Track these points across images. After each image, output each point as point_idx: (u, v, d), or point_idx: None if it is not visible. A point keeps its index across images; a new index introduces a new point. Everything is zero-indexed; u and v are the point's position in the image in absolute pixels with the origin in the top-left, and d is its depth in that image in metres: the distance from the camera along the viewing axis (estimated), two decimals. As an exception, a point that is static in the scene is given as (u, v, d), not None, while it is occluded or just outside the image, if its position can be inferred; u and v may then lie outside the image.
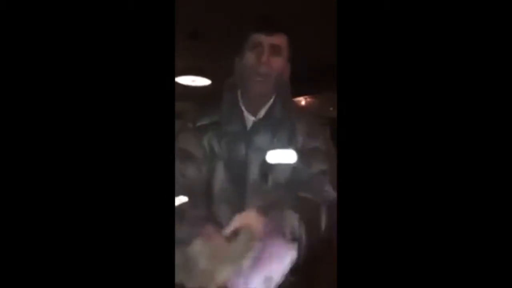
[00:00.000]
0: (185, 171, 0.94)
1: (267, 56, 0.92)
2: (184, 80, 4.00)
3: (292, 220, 0.81)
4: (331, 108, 6.43)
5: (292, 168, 0.95)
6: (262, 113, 0.99)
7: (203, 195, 0.94)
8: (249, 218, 0.78)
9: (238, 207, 0.89)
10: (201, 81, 4.08)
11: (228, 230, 0.76)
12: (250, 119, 0.99)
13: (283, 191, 0.93)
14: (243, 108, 1.00)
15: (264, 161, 0.94)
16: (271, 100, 1.00)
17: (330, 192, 0.92)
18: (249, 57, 0.94)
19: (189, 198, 0.90)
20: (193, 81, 4.08)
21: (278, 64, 0.95)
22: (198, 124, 0.99)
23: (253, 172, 0.94)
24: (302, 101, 5.69)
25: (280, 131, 0.97)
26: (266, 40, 0.93)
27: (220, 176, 0.94)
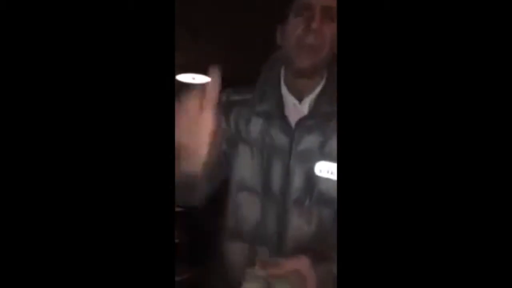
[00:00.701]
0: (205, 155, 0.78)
1: (318, 22, 0.71)
2: (184, 77, 3.99)
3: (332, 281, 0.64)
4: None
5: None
6: (307, 102, 0.78)
7: (222, 183, 0.80)
8: (301, 265, 0.63)
9: (264, 205, 0.75)
10: (201, 79, 4.07)
11: (276, 270, 0.63)
12: (290, 101, 0.79)
13: (326, 214, 0.75)
14: (284, 88, 0.80)
15: (310, 170, 0.75)
16: (321, 85, 0.79)
17: None
18: (296, 24, 0.74)
19: (207, 186, 0.75)
20: (193, 78, 4.08)
21: (332, 32, 0.72)
22: (231, 98, 0.82)
23: (297, 179, 0.75)
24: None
25: (331, 136, 0.76)
26: (317, 0, 0.72)
27: (245, 162, 0.77)
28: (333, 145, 0.75)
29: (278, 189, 0.76)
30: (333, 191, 0.74)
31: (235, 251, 0.79)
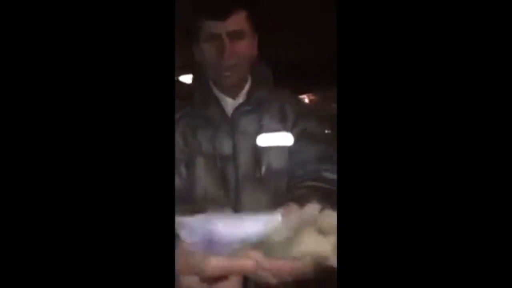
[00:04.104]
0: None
1: (229, 48, 0.77)
2: (182, 78, 4.01)
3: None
4: (334, 105, 6.46)
5: (287, 151, 0.83)
6: (240, 96, 0.88)
7: (186, 200, 0.81)
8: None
9: (229, 206, 0.80)
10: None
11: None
12: (228, 102, 0.87)
13: (277, 179, 0.82)
14: (218, 93, 0.87)
15: (254, 147, 0.82)
16: (248, 83, 0.89)
17: (330, 177, 0.78)
18: (209, 51, 0.79)
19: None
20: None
21: (244, 48, 0.80)
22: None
23: (242, 161, 0.82)
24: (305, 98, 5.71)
25: (267, 112, 0.86)
26: (223, 28, 0.76)
27: (202, 173, 0.82)
28: (270, 119, 0.84)
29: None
30: (278, 159, 0.82)
31: None
